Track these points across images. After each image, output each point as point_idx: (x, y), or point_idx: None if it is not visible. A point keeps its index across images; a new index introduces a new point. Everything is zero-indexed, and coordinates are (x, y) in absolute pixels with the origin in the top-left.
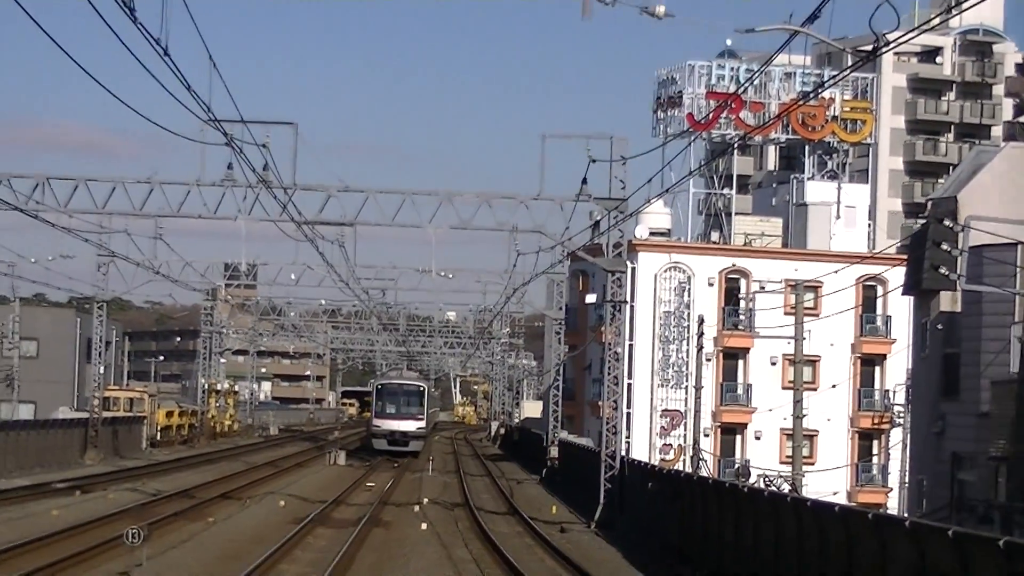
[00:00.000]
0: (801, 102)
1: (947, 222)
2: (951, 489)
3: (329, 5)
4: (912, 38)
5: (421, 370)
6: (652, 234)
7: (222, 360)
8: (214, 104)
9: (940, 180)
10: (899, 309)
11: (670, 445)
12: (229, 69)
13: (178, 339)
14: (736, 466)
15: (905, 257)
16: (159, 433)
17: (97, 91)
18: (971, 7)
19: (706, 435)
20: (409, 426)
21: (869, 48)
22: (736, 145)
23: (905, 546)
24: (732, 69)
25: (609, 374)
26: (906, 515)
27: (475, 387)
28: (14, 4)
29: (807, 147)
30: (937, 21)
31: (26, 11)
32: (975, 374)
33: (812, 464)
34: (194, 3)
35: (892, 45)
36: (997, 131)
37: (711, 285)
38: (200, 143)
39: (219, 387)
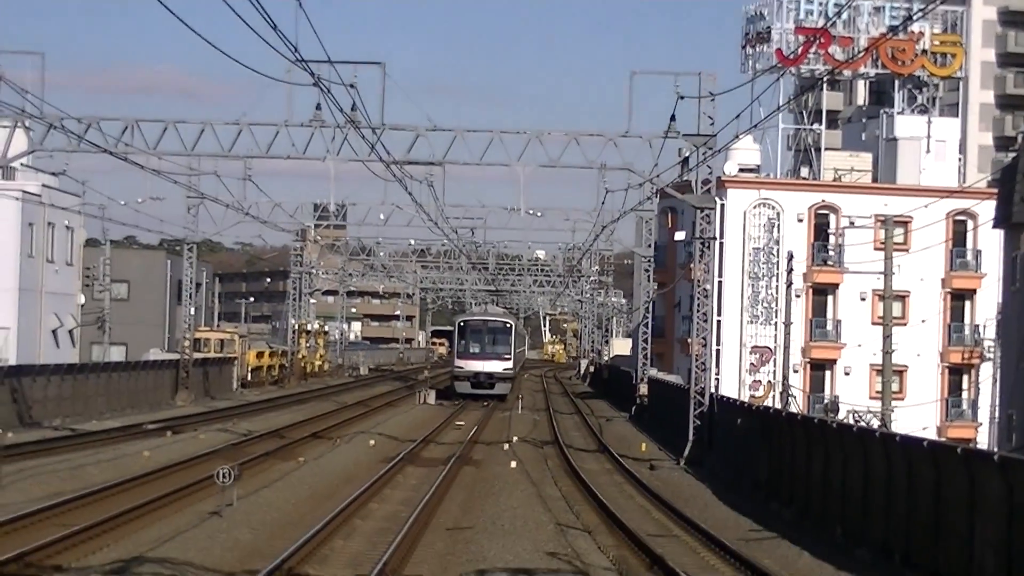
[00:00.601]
0: (890, 36)
1: None
2: None
3: None
4: None
5: (509, 306)
6: (741, 170)
7: (312, 301)
8: (301, 45)
9: None
10: (990, 244)
11: (759, 382)
12: (316, 9)
13: (268, 280)
14: (825, 402)
15: (996, 191)
16: (250, 374)
17: (186, 34)
18: None
19: (795, 371)
20: (495, 367)
21: None
22: (825, 80)
23: (995, 480)
24: (821, 4)
25: (698, 311)
26: (996, 449)
27: (564, 325)
28: None
29: (897, 81)
30: None
31: None
32: None
33: (902, 400)
34: None
35: None
36: None
37: (800, 221)
38: (288, 84)
39: (309, 328)
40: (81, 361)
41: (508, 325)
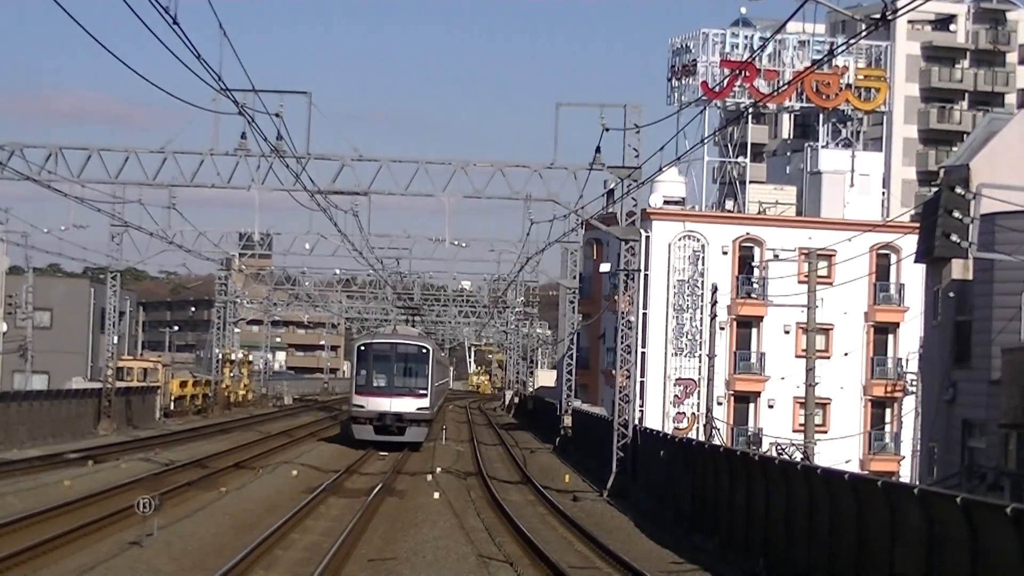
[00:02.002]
0: (813, 69)
1: (959, 190)
2: (961, 457)
3: None
4: (922, 4)
5: (430, 332)
6: (666, 203)
7: (236, 330)
8: (226, 73)
9: (954, 148)
10: (912, 277)
11: (683, 414)
12: (241, 38)
13: (192, 309)
14: (748, 434)
15: (918, 225)
16: (173, 403)
17: (111, 61)
18: None
19: (719, 403)
20: (406, 405)
21: (887, 17)
22: (750, 112)
23: (914, 513)
24: (746, 37)
25: (623, 343)
26: (917, 483)
27: (490, 356)
28: None
29: (821, 115)
30: None
31: None
32: (986, 341)
33: (825, 432)
34: None
35: (900, 12)
36: (1011, 99)
37: (725, 253)
38: (213, 113)
39: (233, 357)
40: (2, 389)
41: (424, 351)
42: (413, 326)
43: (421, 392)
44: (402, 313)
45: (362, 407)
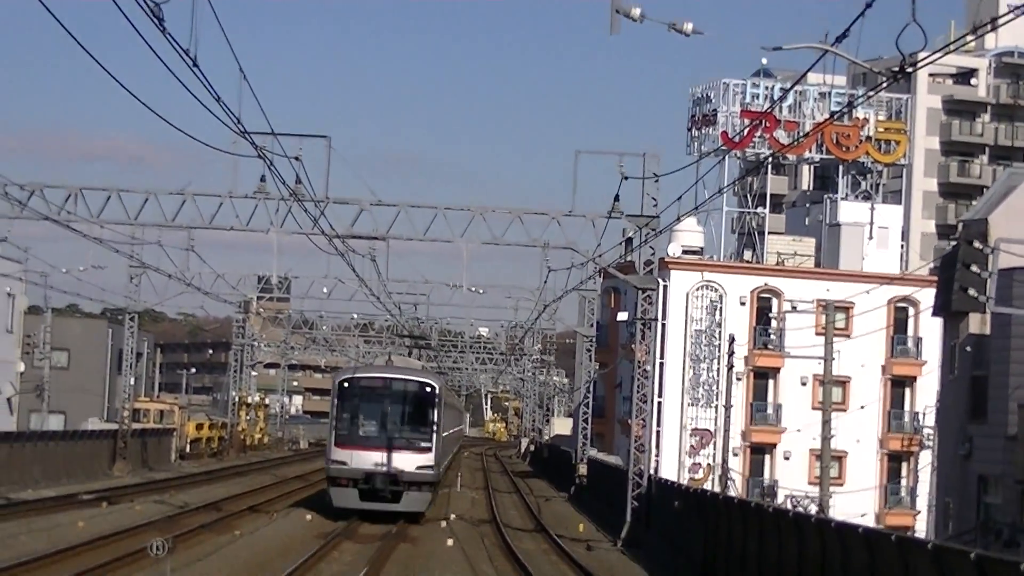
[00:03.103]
0: (831, 121)
1: (977, 244)
2: (977, 512)
3: (362, 19)
4: (939, 59)
5: (437, 367)
6: (685, 252)
7: (253, 373)
8: (247, 116)
9: (973, 202)
10: (930, 331)
11: (699, 464)
12: (261, 81)
13: (210, 351)
14: (763, 486)
15: (936, 278)
16: (188, 445)
17: (131, 102)
18: (1005, 24)
19: (735, 454)
20: (404, 462)
21: (906, 70)
22: (769, 163)
23: (928, 569)
24: (767, 88)
25: (639, 392)
26: (933, 538)
27: (506, 403)
28: (46, 14)
29: (841, 167)
30: (965, 41)
31: (58, 19)
32: (1003, 396)
33: (841, 485)
34: (224, 14)
35: (919, 65)
36: None
37: (743, 304)
38: (232, 155)
39: (250, 400)
40: (18, 429)
41: (429, 389)
42: (410, 353)
43: (424, 445)
44: (391, 335)
45: (343, 464)
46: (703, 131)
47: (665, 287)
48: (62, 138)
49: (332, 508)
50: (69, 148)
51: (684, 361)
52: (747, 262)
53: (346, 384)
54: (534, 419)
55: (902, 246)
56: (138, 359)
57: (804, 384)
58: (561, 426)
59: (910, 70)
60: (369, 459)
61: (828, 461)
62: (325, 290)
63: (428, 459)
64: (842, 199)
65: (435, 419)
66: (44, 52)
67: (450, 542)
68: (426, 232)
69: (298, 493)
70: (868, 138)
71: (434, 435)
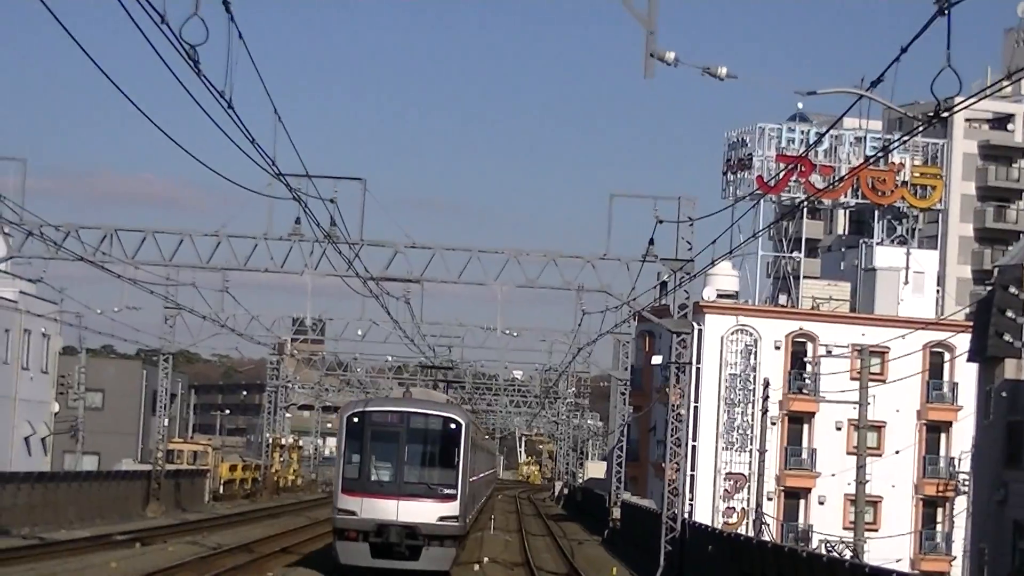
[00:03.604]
0: (867, 165)
1: (1013, 289)
2: (1012, 558)
3: (398, 63)
4: (974, 103)
5: (458, 394)
6: (719, 296)
7: (287, 415)
8: (281, 158)
9: (1010, 247)
10: (966, 376)
11: (733, 508)
12: (297, 123)
13: (244, 393)
14: (798, 531)
15: (972, 324)
16: (222, 487)
17: (167, 144)
18: None
19: (769, 499)
20: (422, 513)
21: (941, 114)
22: (805, 207)
23: None
24: (803, 132)
25: (672, 436)
26: None
27: (540, 446)
28: (84, 57)
29: (876, 212)
30: (1001, 87)
31: (95, 62)
32: None
33: (876, 530)
34: (259, 56)
35: (954, 110)
36: None
37: (777, 348)
38: (267, 197)
39: (284, 442)
40: (53, 470)
41: (455, 427)
42: (439, 389)
43: (447, 492)
44: (425, 376)
45: (352, 514)
46: (738, 175)
47: (700, 331)
48: (97, 179)
49: (338, 567)
50: (104, 189)
51: (719, 405)
52: (782, 306)
53: (355, 419)
54: (568, 462)
55: (938, 291)
56: (172, 400)
57: (839, 429)
58: (595, 469)
59: (945, 115)
60: (382, 508)
61: (863, 506)
62: (360, 332)
63: (452, 508)
64: (878, 244)
65: (461, 461)
66: (80, 94)
67: None
68: (460, 275)
69: (332, 535)
70: (904, 183)
71: (459, 480)
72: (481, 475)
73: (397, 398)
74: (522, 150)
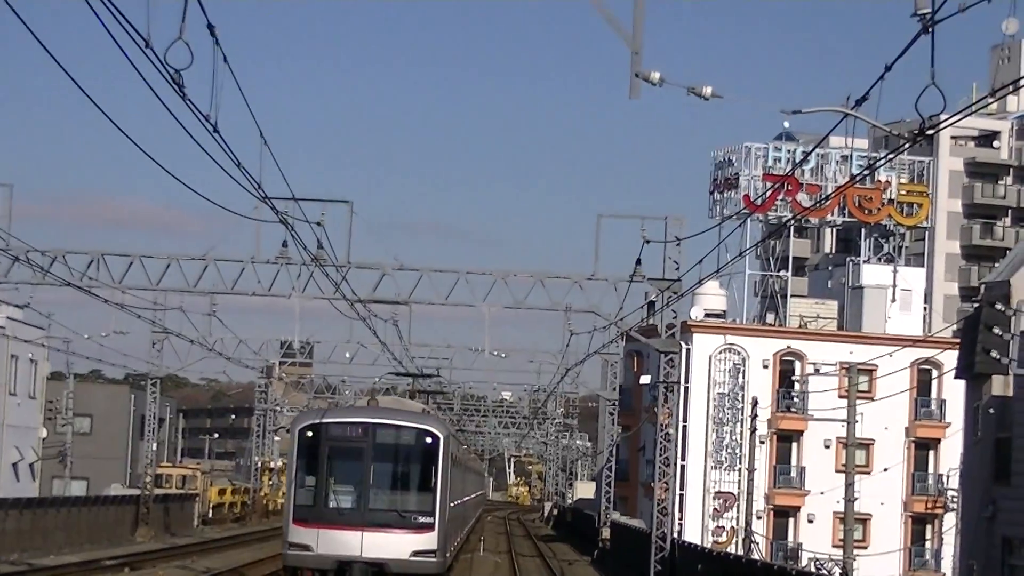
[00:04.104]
0: (853, 183)
1: (1000, 306)
2: (1002, 574)
3: (384, 84)
4: (960, 121)
5: (434, 402)
6: (707, 315)
7: (276, 438)
8: (267, 182)
9: (996, 264)
10: (954, 393)
11: (723, 527)
12: (283, 146)
13: (233, 416)
14: (788, 549)
15: (959, 341)
16: (211, 511)
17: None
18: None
19: (759, 517)
20: (392, 547)
21: (926, 132)
22: (791, 226)
23: None
24: (789, 151)
25: (661, 455)
26: None
27: (529, 467)
28: (69, 82)
29: (863, 230)
30: (985, 103)
31: (81, 87)
32: None
33: (865, 548)
34: (245, 80)
35: (939, 127)
36: None
37: (765, 367)
38: (254, 220)
39: (273, 465)
40: (41, 495)
41: (430, 440)
42: (413, 398)
43: (423, 520)
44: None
45: (306, 548)
46: (725, 194)
47: (688, 350)
48: (84, 204)
49: None
50: (91, 214)
51: (707, 424)
52: (770, 325)
53: (309, 433)
54: (557, 483)
55: (925, 308)
56: (160, 424)
57: (828, 447)
58: (584, 490)
59: (930, 132)
60: (343, 542)
61: (852, 524)
62: (348, 355)
63: (429, 540)
64: (865, 262)
65: (439, 482)
66: (66, 119)
67: None
68: (448, 296)
69: None
70: (891, 201)
71: (438, 505)
72: (466, 498)
73: (360, 407)
74: (509, 171)
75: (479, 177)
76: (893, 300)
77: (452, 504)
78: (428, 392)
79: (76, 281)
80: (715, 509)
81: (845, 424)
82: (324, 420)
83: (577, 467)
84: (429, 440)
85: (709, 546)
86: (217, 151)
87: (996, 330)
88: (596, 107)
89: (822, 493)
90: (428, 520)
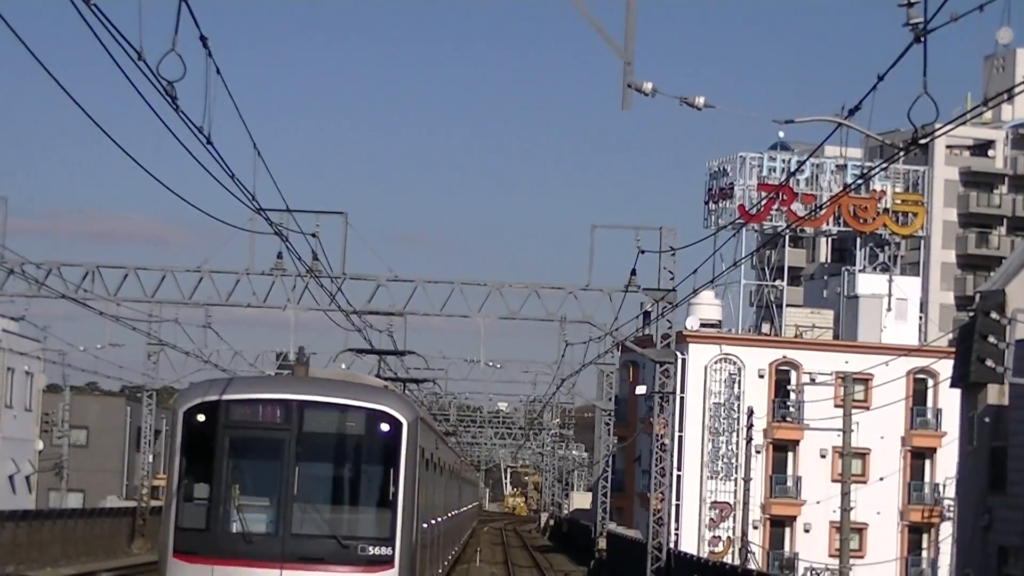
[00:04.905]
0: (847, 193)
1: (994, 315)
2: None
3: (378, 95)
4: (953, 130)
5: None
6: (703, 325)
7: None
8: (262, 193)
9: (991, 273)
10: (950, 402)
11: (719, 537)
12: (277, 158)
13: None
14: (784, 559)
15: (954, 350)
16: None
17: (147, 180)
18: (1021, 94)
19: (755, 527)
20: None
21: (919, 141)
22: (786, 236)
23: None
24: (784, 161)
25: (657, 465)
26: None
27: (525, 478)
28: (62, 94)
29: (858, 239)
30: (979, 112)
31: (74, 99)
32: (1022, 468)
33: (861, 558)
34: (238, 91)
35: (931, 137)
36: None
37: (761, 377)
38: (249, 232)
39: None
40: (37, 507)
41: (387, 428)
42: (403, 389)
43: (376, 553)
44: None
45: None
46: (720, 204)
47: (683, 360)
48: (78, 217)
49: None
50: (85, 227)
51: (703, 434)
52: (765, 335)
53: (200, 417)
54: (553, 493)
55: (920, 318)
56: (156, 436)
57: (823, 456)
58: (580, 500)
59: (923, 142)
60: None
61: (848, 533)
62: (344, 366)
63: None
64: (860, 271)
65: (402, 491)
66: (60, 131)
67: None
68: (443, 307)
69: None
70: (886, 210)
71: (399, 527)
72: (451, 513)
73: (280, 377)
74: (503, 182)
75: (473, 188)
76: (889, 309)
77: (426, 524)
78: (404, 381)
79: (71, 294)
80: (711, 519)
81: (841, 433)
82: (224, 396)
83: (573, 478)
84: (386, 428)
85: (705, 556)
86: (211, 163)
87: (991, 339)
88: (590, 117)
89: (818, 503)
90: (384, 551)
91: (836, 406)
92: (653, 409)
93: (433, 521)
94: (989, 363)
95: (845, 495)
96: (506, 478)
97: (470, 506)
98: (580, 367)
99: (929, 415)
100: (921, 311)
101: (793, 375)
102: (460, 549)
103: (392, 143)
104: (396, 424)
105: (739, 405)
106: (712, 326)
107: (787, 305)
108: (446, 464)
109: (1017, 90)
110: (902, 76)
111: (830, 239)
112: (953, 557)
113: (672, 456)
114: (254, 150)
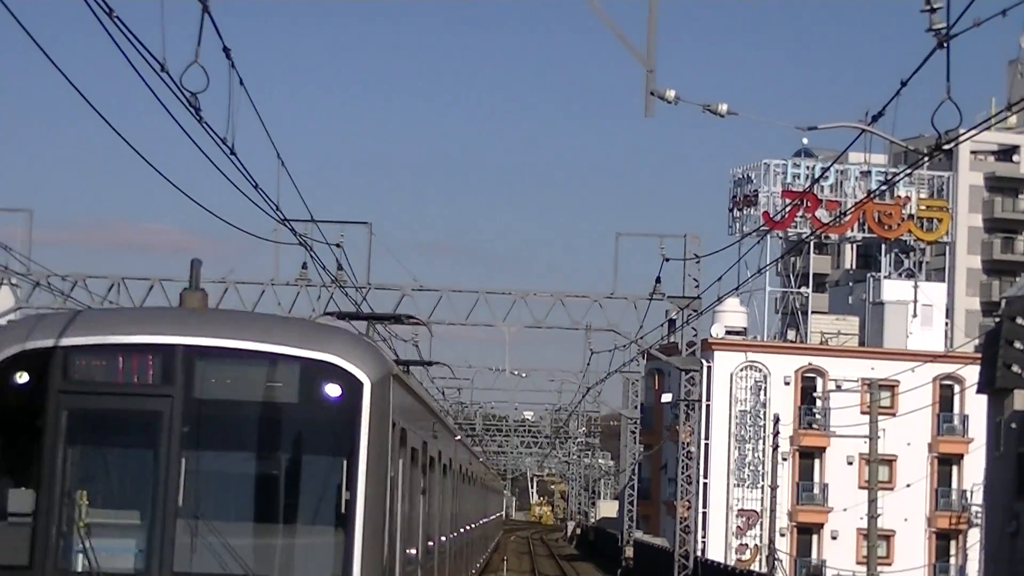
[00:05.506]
0: (871, 199)
1: (1020, 320)
2: None
3: (401, 105)
4: (976, 135)
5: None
6: (728, 333)
7: None
8: (286, 203)
9: (1017, 278)
10: (977, 408)
11: (746, 545)
12: (301, 168)
13: None
14: (811, 566)
15: (981, 356)
16: None
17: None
18: None
19: (782, 535)
20: None
21: (942, 147)
22: (811, 243)
23: None
24: (808, 168)
25: (684, 473)
26: None
27: (552, 487)
28: (88, 108)
29: (883, 246)
30: (1002, 117)
31: (99, 112)
32: None
33: (889, 564)
34: (261, 101)
35: (955, 142)
36: None
37: (787, 384)
38: (274, 243)
39: None
40: None
41: (340, 392)
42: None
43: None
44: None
45: None
46: (744, 211)
47: (709, 368)
48: (104, 229)
49: None
50: (111, 238)
51: (729, 442)
52: (791, 342)
53: (19, 378)
54: (580, 502)
55: (946, 323)
56: None
57: (850, 463)
58: (607, 509)
59: (947, 147)
60: None
61: (875, 540)
62: None
63: None
64: (885, 277)
65: (359, 497)
66: (85, 144)
67: None
68: (468, 317)
69: None
70: (910, 216)
71: (355, 557)
72: (465, 528)
73: (158, 308)
74: (526, 191)
75: (497, 197)
76: (914, 315)
77: (412, 550)
78: (373, 319)
79: (97, 305)
80: (738, 527)
81: (867, 440)
82: (61, 341)
83: (600, 486)
84: (337, 391)
85: (732, 564)
86: (235, 174)
87: (1017, 344)
88: (613, 126)
89: (845, 510)
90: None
91: (862, 413)
92: (679, 417)
93: (431, 542)
94: (1015, 368)
95: (872, 502)
96: (532, 487)
97: (490, 519)
98: (606, 375)
99: (956, 421)
100: (947, 317)
101: (819, 382)
102: (492, 550)
103: (416, 152)
104: (353, 385)
105: (765, 412)
106: (737, 333)
107: (812, 312)
108: (452, 460)
109: None
110: (926, 81)
111: (855, 245)
112: (981, 564)
113: (698, 464)
114: (278, 160)
